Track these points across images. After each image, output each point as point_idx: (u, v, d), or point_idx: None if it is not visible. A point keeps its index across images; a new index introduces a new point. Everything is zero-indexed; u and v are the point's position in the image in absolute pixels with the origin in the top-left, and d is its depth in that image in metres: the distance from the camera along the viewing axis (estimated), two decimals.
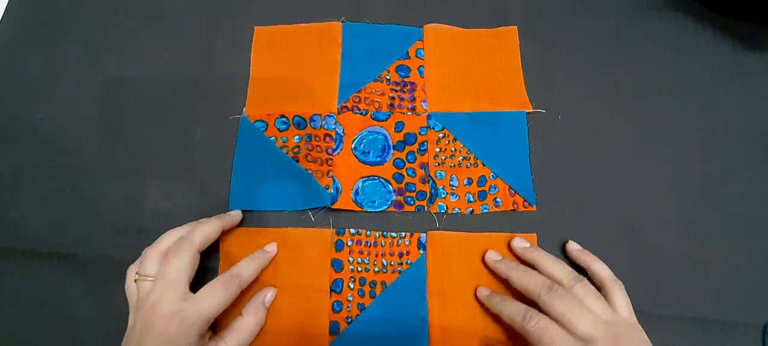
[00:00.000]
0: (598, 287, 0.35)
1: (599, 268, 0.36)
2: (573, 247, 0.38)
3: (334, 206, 0.39)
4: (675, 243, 0.39)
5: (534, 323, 0.33)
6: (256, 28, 0.46)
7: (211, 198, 0.40)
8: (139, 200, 0.40)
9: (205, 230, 0.35)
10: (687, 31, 0.45)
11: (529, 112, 0.42)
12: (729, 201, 0.40)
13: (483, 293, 0.37)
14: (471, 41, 0.45)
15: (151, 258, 0.33)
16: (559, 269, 0.35)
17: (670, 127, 0.42)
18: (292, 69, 0.44)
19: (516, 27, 0.45)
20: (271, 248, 0.38)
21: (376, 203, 0.40)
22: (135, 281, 0.33)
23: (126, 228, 0.39)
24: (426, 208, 0.40)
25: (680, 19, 0.45)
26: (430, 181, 0.40)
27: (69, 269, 0.38)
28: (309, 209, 0.40)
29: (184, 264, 0.33)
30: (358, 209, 0.40)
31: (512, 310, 0.34)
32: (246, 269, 0.36)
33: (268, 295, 0.36)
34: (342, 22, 0.46)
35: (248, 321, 0.35)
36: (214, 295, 0.33)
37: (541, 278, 0.35)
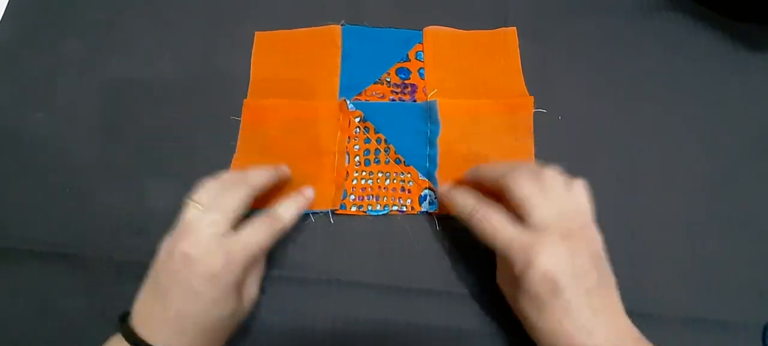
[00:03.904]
0: None
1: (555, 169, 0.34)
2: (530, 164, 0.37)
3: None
4: (675, 243, 0.39)
5: (479, 214, 0.32)
6: (256, 33, 0.46)
7: None
8: (139, 200, 0.40)
9: (262, 177, 0.35)
10: (687, 31, 0.45)
11: None
12: (729, 201, 0.40)
13: (443, 188, 0.38)
14: (471, 43, 0.45)
15: (206, 187, 0.33)
16: (528, 163, 0.36)
17: (670, 127, 0.42)
18: (292, 72, 0.44)
19: (515, 28, 0.45)
20: (309, 193, 0.37)
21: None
22: (185, 203, 0.32)
23: (126, 228, 0.39)
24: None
25: (680, 19, 0.45)
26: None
27: (69, 269, 0.38)
28: (310, 213, 0.39)
29: (237, 200, 0.32)
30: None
31: (465, 201, 0.34)
32: (288, 212, 0.34)
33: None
34: (341, 25, 0.46)
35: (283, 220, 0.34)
36: (258, 236, 0.32)
37: (509, 162, 0.35)
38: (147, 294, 0.31)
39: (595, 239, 0.31)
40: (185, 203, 0.32)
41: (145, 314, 0.30)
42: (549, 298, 0.29)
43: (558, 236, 0.29)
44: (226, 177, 0.34)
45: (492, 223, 0.31)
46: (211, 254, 0.30)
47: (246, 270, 0.32)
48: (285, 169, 0.38)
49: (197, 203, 0.32)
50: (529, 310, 0.30)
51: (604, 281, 0.30)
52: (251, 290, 0.34)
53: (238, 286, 0.31)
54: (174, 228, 0.32)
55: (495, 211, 0.32)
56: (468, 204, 0.33)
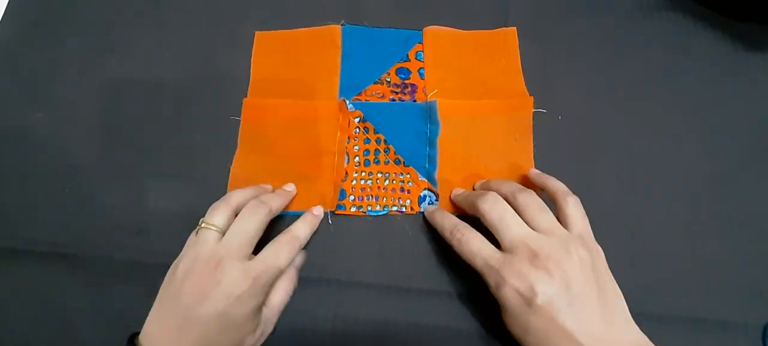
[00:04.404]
0: (553, 202, 0.34)
1: (552, 183, 0.35)
2: (532, 172, 0.38)
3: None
4: (675, 243, 0.39)
5: (458, 236, 0.33)
6: (256, 33, 0.46)
7: (211, 198, 0.40)
8: (139, 200, 0.40)
9: (279, 202, 0.36)
10: (687, 31, 0.45)
11: None
12: (729, 201, 0.40)
13: (428, 210, 0.39)
14: (471, 43, 0.45)
15: (220, 210, 0.33)
16: (507, 185, 0.35)
17: (670, 127, 0.42)
18: (292, 72, 0.44)
19: (515, 28, 0.45)
20: (319, 211, 0.38)
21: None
22: (197, 232, 0.33)
23: (126, 228, 0.39)
24: None
25: (680, 19, 0.45)
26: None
27: (69, 269, 0.38)
28: None
29: (258, 226, 0.33)
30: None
31: (444, 222, 0.35)
32: (303, 231, 0.36)
33: (298, 259, 0.37)
34: (341, 25, 0.46)
35: (284, 286, 0.35)
36: (280, 256, 0.33)
37: (481, 191, 0.35)
38: (161, 315, 0.31)
39: (580, 254, 0.31)
40: (200, 227, 0.33)
41: (158, 337, 0.30)
42: (526, 312, 0.29)
43: (527, 255, 0.30)
44: (239, 198, 0.35)
45: (469, 246, 0.33)
46: (239, 278, 0.30)
47: (268, 290, 0.33)
48: (292, 189, 0.39)
49: (211, 225, 0.33)
50: (515, 329, 0.31)
51: (594, 294, 0.30)
52: (269, 309, 0.34)
53: (260, 307, 0.32)
54: (189, 250, 0.32)
55: (472, 233, 0.33)
56: (446, 225, 0.35)
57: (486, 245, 0.32)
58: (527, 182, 0.39)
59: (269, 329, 0.34)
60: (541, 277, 0.29)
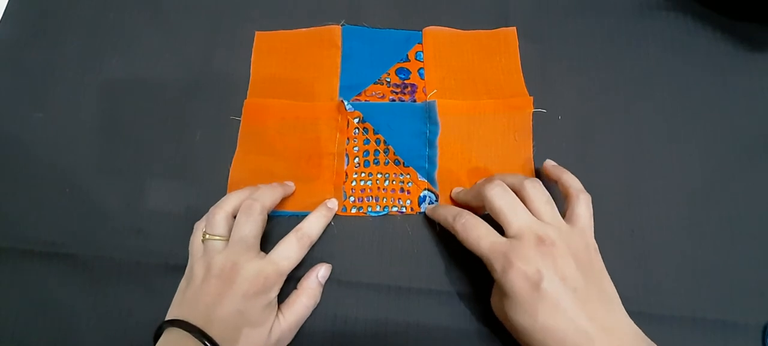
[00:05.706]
0: (564, 197, 0.35)
1: (567, 178, 0.36)
2: (548, 163, 0.38)
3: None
4: (675, 243, 0.39)
5: (462, 221, 0.33)
6: (257, 33, 0.46)
7: (210, 198, 0.40)
8: (139, 200, 0.40)
9: (272, 195, 0.36)
10: (687, 31, 0.45)
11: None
12: (729, 201, 0.40)
13: (429, 208, 0.39)
14: (470, 43, 0.45)
15: (219, 218, 0.34)
16: (513, 176, 0.35)
17: (670, 127, 0.42)
18: (292, 72, 0.44)
19: (515, 28, 0.45)
20: (333, 204, 0.38)
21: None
22: (203, 240, 0.34)
23: (126, 228, 0.39)
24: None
25: (680, 19, 0.45)
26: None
27: (69, 269, 0.38)
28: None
29: (257, 226, 0.34)
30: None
31: (447, 211, 0.35)
32: (315, 227, 0.36)
33: (321, 271, 0.37)
34: (341, 25, 0.46)
35: (304, 302, 0.35)
36: (290, 255, 0.34)
37: (486, 179, 0.35)
38: (180, 316, 0.31)
39: (581, 247, 0.31)
40: (204, 239, 0.34)
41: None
42: (532, 296, 0.29)
43: (534, 241, 0.30)
44: (234, 201, 0.35)
45: (475, 232, 0.33)
46: (251, 279, 0.32)
47: (280, 288, 0.34)
48: (291, 186, 0.39)
49: (214, 236, 0.34)
50: (521, 317, 0.30)
51: (594, 286, 0.30)
52: (286, 323, 0.34)
53: (273, 302, 0.33)
54: (199, 260, 0.33)
55: (476, 220, 0.33)
56: (449, 213, 0.35)
57: (491, 231, 0.32)
58: (539, 174, 0.39)
59: (284, 344, 0.34)
60: (547, 262, 0.30)
